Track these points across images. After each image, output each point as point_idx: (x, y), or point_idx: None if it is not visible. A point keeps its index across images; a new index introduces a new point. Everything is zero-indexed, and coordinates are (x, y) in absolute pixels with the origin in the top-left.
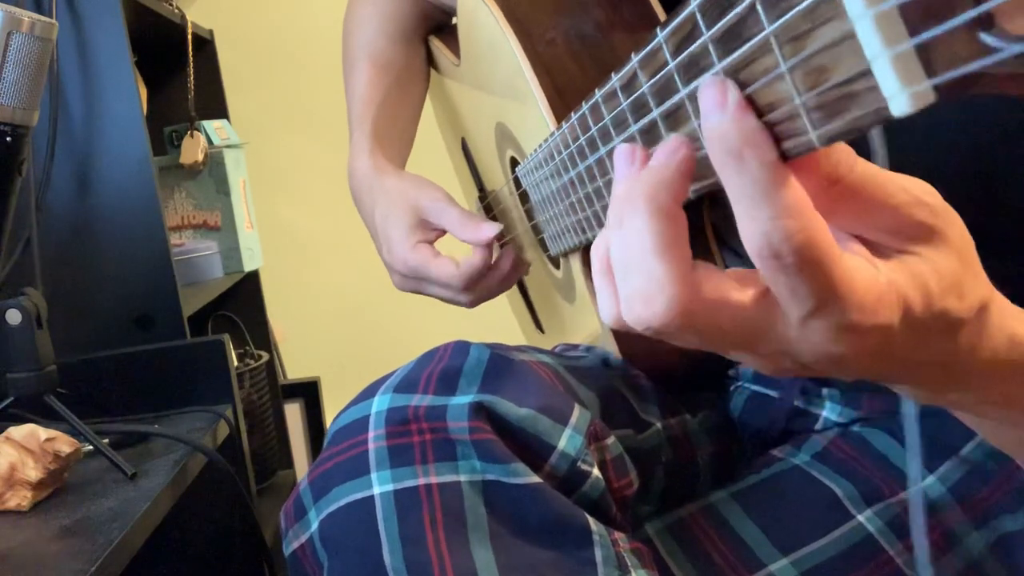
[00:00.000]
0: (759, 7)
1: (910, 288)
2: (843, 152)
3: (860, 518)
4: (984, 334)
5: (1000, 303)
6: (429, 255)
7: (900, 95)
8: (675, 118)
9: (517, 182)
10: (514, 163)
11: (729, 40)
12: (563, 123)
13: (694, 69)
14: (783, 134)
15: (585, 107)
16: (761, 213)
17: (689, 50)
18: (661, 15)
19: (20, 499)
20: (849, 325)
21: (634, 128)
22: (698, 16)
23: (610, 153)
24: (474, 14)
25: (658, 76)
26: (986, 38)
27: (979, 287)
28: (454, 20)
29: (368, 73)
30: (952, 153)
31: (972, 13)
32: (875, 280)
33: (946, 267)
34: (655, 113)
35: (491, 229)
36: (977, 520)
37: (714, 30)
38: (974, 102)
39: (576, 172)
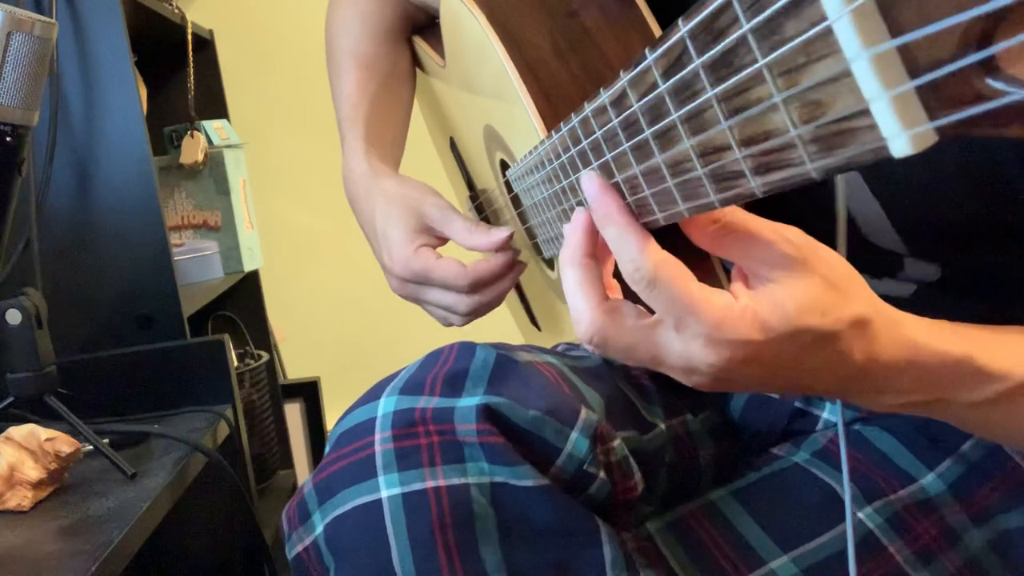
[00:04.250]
0: (751, 39)
1: (767, 310)
2: None
3: (860, 515)
4: (875, 343)
5: (892, 315)
6: (432, 257)
7: (900, 136)
8: (667, 138)
9: (508, 185)
10: (504, 165)
11: (720, 67)
12: (553, 133)
13: (686, 92)
14: (779, 163)
15: (575, 120)
16: (623, 255)
17: (680, 75)
18: (647, 14)
19: (20, 499)
20: (710, 338)
21: (625, 145)
22: (688, 42)
23: (603, 166)
24: (457, 17)
25: (648, 97)
26: (992, 83)
27: (851, 306)
28: (437, 20)
29: (355, 76)
30: (958, 151)
31: (975, 57)
32: (729, 304)
33: (804, 291)
34: (647, 133)
35: (502, 232)
36: (976, 518)
37: (704, 58)
38: None
39: (568, 182)
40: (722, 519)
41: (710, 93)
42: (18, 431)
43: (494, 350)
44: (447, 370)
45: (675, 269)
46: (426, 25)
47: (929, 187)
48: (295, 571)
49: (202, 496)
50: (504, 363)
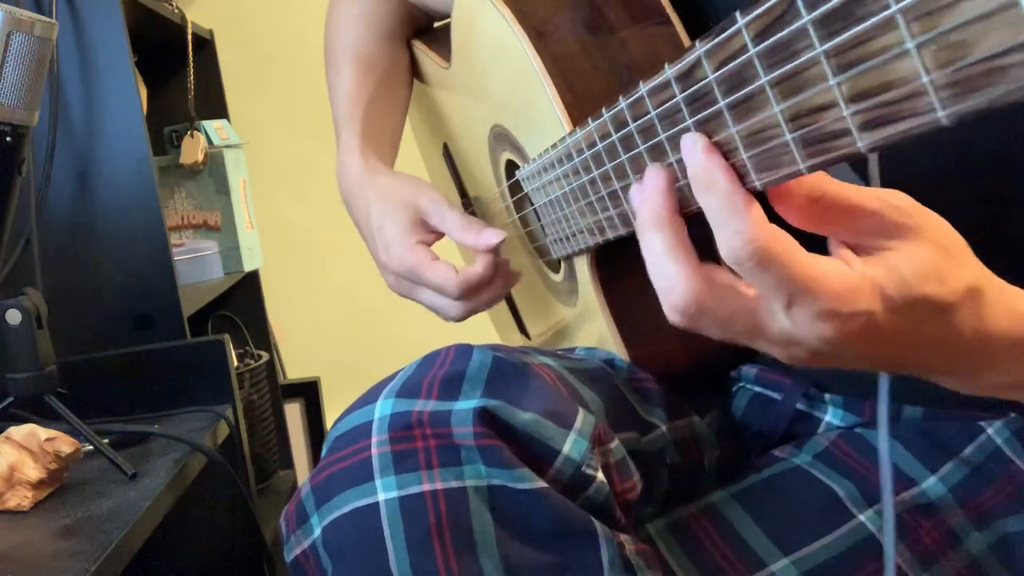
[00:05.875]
0: None
1: (885, 278)
2: (814, 176)
3: (861, 518)
4: (985, 314)
5: (999, 285)
6: (426, 256)
7: None
8: (747, 107)
9: (514, 185)
10: (510, 166)
11: (835, 21)
12: (590, 120)
13: (783, 53)
14: (899, 114)
15: (623, 103)
16: (728, 227)
17: (779, 35)
18: (671, 13)
19: (20, 499)
20: (827, 312)
21: (689, 121)
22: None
23: (651, 148)
24: (476, 13)
25: (730, 64)
26: None
27: (964, 273)
28: (436, 24)
29: (354, 74)
30: (960, 152)
31: None
32: (847, 274)
33: (921, 258)
34: (720, 104)
35: (494, 235)
36: (978, 521)
37: (817, 12)
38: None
39: (601, 171)
40: (722, 521)
41: (818, 50)
42: (18, 431)
43: (491, 352)
44: (444, 373)
45: (787, 243)
46: (425, 28)
47: (928, 190)
48: (293, 574)
49: (202, 496)
50: (501, 365)
